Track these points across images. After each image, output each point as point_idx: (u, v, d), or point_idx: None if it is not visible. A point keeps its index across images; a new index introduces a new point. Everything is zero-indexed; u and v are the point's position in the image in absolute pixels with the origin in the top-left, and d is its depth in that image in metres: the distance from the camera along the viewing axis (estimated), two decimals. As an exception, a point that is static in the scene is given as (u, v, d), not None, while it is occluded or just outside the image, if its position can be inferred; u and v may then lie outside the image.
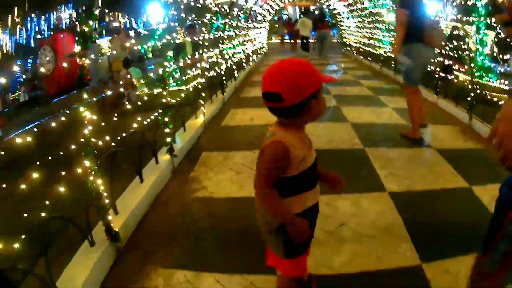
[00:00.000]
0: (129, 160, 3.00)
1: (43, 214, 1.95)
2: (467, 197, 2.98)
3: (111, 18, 23.57)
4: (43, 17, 18.11)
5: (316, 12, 21.28)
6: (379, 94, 7.23)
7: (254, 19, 12.77)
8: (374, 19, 11.68)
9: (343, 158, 3.90)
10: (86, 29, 2.54)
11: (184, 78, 6.28)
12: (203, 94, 5.46)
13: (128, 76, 8.05)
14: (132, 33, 11.98)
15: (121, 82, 7.65)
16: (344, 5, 15.27)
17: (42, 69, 12.35)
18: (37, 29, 18.11)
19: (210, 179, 3.40)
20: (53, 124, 2.46)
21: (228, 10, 7.94)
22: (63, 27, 16.29)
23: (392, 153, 4.01)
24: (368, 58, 12.46)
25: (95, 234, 2.26)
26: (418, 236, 2.40)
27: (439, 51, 5.58)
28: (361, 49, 13.71)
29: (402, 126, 4.90)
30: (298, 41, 17.09)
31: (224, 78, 6.96)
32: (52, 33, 15.13)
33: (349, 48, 16.38)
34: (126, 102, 5.79)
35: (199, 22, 6.77)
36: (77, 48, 2.65)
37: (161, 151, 3.70)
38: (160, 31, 4.76)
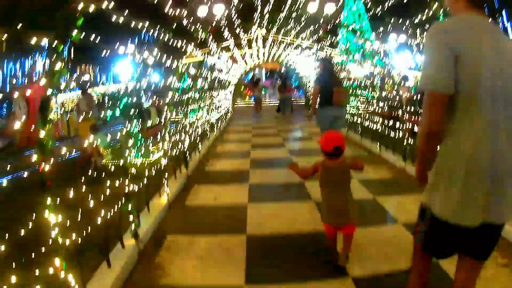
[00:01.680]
0: (95, 243, 3.25)
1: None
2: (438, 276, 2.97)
3: (82, 71, 24.15)
4: (18, 62, 18.40)
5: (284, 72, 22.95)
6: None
7: (220, 83, 13.48)
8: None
9: (305, 244, 4.10)
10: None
11: (149, 149, 6.55)
12: (166, 174, 5.73)
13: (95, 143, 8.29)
14: (101, 88, 12.57)
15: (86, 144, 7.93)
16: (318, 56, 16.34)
17: (15, 119, 12.56)
18: (12, 73, 18.33)
19: (175, 265, 3.67)
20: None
21: (194, 71, 8.38)
22: (37, 77, 16.55)
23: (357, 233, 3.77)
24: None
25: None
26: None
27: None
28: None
29: (367, 202, 5.24)
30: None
31: (187, 153, 7.28)
32: (26, 81, 15.35)
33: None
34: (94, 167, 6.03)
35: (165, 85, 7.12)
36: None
37: (127, 232, 3.95)
38: (125, 99, 5.12)
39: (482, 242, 1.98)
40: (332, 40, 11.16)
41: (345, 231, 3.37)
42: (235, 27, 8.77)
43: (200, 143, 9.01)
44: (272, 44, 14.57)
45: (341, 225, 3.36)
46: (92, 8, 2.88)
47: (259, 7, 8.27)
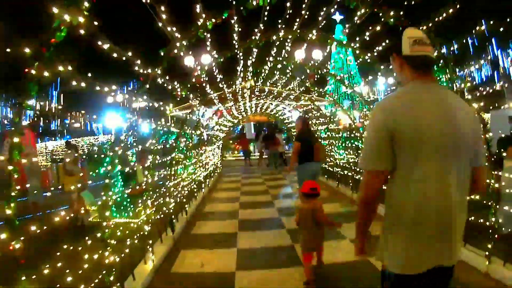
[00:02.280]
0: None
1: None
2: None
3: (73, 119, 24.40)
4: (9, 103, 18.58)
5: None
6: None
7: (207, 139, 13.56)
8: (329, 131, 12.77)
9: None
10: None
11: (134, 209, 6.45)
12: (150, 241, 5.68)
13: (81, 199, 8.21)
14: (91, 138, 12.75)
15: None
16: (299, 111, 16.49)
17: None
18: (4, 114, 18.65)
19: None
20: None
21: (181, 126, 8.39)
22: (27, 121, 16.69)
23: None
24: (325, 176, 13.34)
25: None
26: None
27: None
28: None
29: (364, 264, 5.06)
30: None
31: (173, 216, 7.21)
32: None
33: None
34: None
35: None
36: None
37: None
38: (109, 158, 5.03)
39: (441, 284, 2.15)
40: (321, 90, 11.34)
41: (319, 253, 5.18)
42: (218, 81, 8.79)
43: (187, 203, 8.94)
44: (259, 96, 14.77)
45: (318, 248, 5.06)
46: (46, 73, 2.79)
47: (242, 60, 8.35)
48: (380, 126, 2.03)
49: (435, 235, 2.01)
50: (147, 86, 5.25)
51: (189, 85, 6.86)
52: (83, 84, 3.33)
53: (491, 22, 4.76)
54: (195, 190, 10.67)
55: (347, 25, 6.97)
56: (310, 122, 11.26)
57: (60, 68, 2.97)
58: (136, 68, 4.86)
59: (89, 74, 3.52)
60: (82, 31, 3.10)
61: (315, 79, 11.03)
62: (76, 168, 11.03)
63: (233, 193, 12.32)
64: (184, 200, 8.71)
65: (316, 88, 11.48)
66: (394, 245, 2.10)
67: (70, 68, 3.04)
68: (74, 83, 3.21)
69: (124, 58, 4.36)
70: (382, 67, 6.84)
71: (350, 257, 5.51)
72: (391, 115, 2.01)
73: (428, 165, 1.98)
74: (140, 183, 10.03)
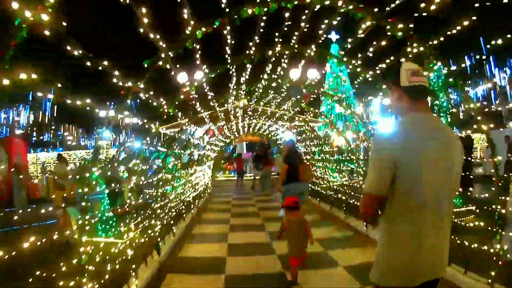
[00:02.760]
0: None
1: None
2: None
3: (66, 131, 24.52)
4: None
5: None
6: (328, 247, 7.40)
7: (198, 158, 13.36)
8: (323, 154, 12.62)
9: None
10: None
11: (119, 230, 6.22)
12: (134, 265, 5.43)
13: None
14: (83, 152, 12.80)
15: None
16: (293, 132, 16.56)
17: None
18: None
19: None
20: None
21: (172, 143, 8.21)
22: (18, 131, 17.11)
23: None
24: (317, 198, 13.06)
25: None
26: None
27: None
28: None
29: None
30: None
31: (159, 238, 6.95)
32: (8, 133, 15.95)
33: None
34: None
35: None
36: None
37: None
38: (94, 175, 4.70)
39: None
40: (316, 111, 11.29)
41: (303, 256, 5.74)
42: (209, 98, 8.55)
43: (175, 225, 8.67)
44: (252, 115, 14.65)
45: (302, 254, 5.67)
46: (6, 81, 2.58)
47: (235, 77, 8.17)
48: (385, 155, 2.24)
49: (431, 250, 2.26)
50: (128, 101, 4.92)
51: (177, 102, 6.54)
52: (50, 96, 3.10)
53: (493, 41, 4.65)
54: (184, 211, 10.38)
55: (349, 39, 6.73)
56: (297, 145, 12.02)
57: (23, 75, 2.70)
58: (115, 80, 4.54)
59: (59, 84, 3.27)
60: (47, 32, 2.86)
61: (311, 99, 11.13)
62: (67, 182, 10.77)
63: (223, 215, 12.02)
64: (172, 222, 8.43)
65: (311, 109, 11.50)
66: (392, 260, 2.31)
67: (34, 76, 2.75)
68: (39, 94, 2.97)
69: (100, 68, 4.09)
70: (383, 86, 6.64)
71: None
72: (395, 144, 2.23)
73: (426, 192, 2.20)
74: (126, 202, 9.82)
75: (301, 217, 5.80)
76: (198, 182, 13.83)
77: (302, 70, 8.53)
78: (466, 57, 5.31)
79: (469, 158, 8.57)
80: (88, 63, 3.94)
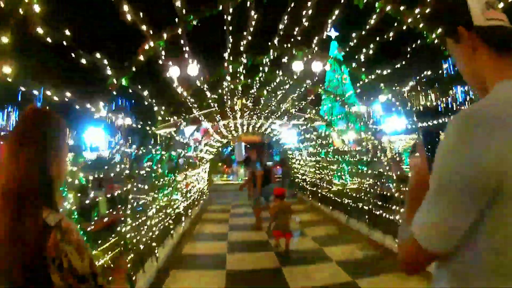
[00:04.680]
0: None
1: None
2: None
3: None
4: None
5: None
6: (353, 274, 6.04)
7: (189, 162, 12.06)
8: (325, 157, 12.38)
9: None
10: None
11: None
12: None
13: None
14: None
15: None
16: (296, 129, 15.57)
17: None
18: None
19: None
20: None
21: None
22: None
23: None
24: (329, 206, 11.88)
25: None
26: None
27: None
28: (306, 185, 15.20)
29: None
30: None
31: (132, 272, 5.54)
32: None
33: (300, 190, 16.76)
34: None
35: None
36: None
37: None
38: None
39: None
40: (317, 108, 10.91)
41: (287, 236, 7.51)
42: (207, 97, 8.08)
43: (158, 246, 7.08)
44: (251, 113, 13.41)
45: (285, 233, 7.50)
46: None
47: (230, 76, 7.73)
48: (472, 172, 1.02)
49: None
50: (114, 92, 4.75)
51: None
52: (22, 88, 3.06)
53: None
54: (171, 226, 8.80)
55: (353, 33, 6.48)
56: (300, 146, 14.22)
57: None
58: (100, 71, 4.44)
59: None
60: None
61: (314, 95, 10.84)
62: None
63: (220, 227, 10.69)
64: (154, 244, 6.83)
65: (313, 108, 11.63)
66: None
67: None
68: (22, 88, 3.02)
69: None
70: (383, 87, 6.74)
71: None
72: (498, 147, 1.00)
73: None
74: (103, 215, 8.52)
75: (287, 203, 8.12)
76: (190, 190, 12.37)
77: (305, 65, 7.55)
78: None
79: None
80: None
